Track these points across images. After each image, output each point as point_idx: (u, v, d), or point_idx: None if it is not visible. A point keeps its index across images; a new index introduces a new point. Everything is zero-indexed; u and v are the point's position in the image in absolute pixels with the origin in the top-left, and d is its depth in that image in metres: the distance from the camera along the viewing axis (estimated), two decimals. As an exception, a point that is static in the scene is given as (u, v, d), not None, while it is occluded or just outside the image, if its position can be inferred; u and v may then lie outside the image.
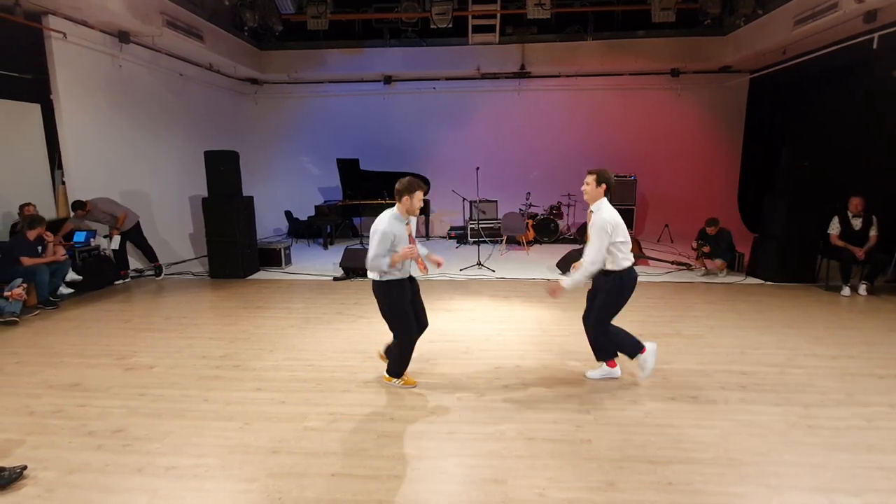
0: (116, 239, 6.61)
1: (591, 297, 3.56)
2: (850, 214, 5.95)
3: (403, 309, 3.39)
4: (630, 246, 3.33)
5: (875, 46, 6.51)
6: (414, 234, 3.42)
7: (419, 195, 3.30)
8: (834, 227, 6.03)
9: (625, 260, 3.28)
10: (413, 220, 3.43)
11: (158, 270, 7.11)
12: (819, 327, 4.74)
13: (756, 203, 7.11)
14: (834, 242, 6.02)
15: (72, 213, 6.35)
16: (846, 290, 5.87)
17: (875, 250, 5.84)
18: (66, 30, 6.27)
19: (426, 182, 9.94)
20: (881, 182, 6.69)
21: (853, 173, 7.16)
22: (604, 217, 3.20)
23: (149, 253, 7.06)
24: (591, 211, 3.33)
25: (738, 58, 8.98)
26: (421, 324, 3.58)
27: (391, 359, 3.59)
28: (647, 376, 3.48)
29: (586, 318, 3.57)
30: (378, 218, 3.27)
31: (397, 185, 3.29)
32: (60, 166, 6.52)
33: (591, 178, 3.31)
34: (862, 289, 5.86)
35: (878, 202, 6.08)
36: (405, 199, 3.26)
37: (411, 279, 3.48)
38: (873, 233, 5.83)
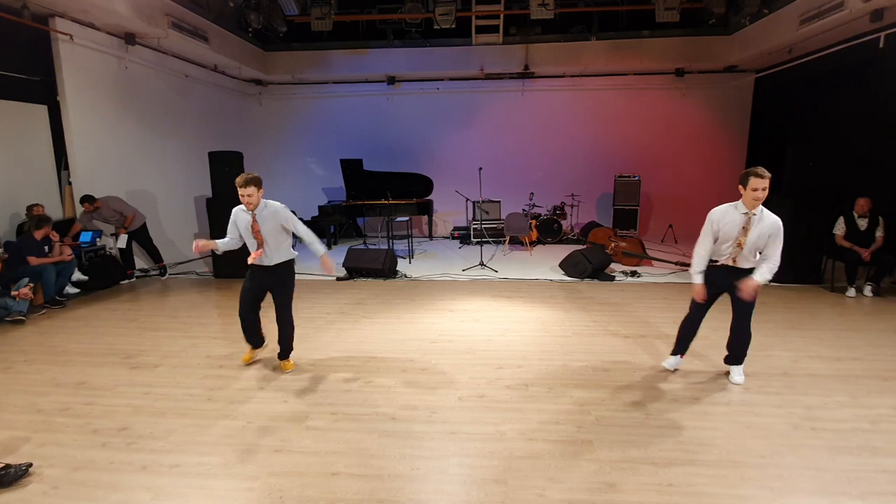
0: (123, 238, 6.68)
1: (712, 299, 3.54)
2: (855, 215, 5.91)
3: (243, 287, 3.81)
4: None
5: (881, 45, 6.47)
6: (261, 229, 3.63)
7: (239, 192, 3.55)
8: (839, 228, 5.99)
9: None
10: (261, 211, 3.65)
11: (163, 270, 7.17)
12: (824, 329, 4.71)
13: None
14: (839, 243, 5.98)
15: (80, 208, 6.40)
16: (852, 292, 5.83)
17: (881, 251, 5.79)
18: (73, 32, 6.33)
19: (429, 183, 9.98)
20: (888, 183, 6.64)
21: (859, 174, 7.11)
22: (778, 219, 3.27)
23: (154, 253, 7.11)
24: (753, 214, 3.25)
25: (744, 57, 8.94)
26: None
27: None
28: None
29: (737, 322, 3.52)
30: None
31: None
32: (67, 167, 6.58)
33: (767, 183, 3.17)
34: (868, 290, 5.81)
35: (884, 203, 6.03)
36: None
37: (264, 269, 3.72)
38: (879, 234, 5.79)
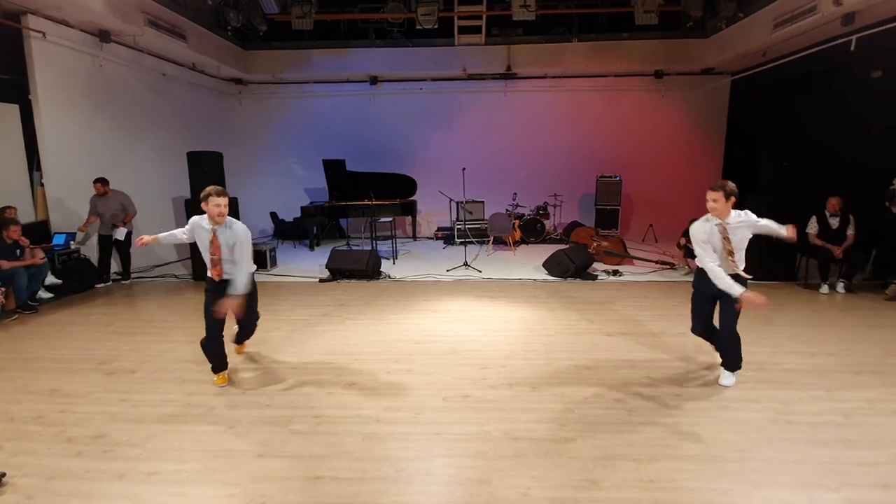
0: (122, 231, 6.61)
1: (710, 302, 3.51)
2: (827, 214, 6.07)
3: (206, 307, 3.47)
4: None
5: (853, 49, 6.65)
6: (220, 244, 3.42)
7: (213, 200, 3.32)
8: (812, 227, 6.15)
9: None
10: (222, 229, 3.44)
11: (126, 276, 7.01)
12: (798, 325, 4.84)
13: (738, 203, 7.22)
14: (812, 241, 6.14)
15: (94, 191, 6.47)
16: (825, 288, 5.99)
17: (852, 249, 5.96)
18: (46, 29, 6.16)
19: (412, 183, 9.96)
20: (858, 182, 6.84)
21: (832, 173, 7.31)
22: (744, 213, 3.30)
23: (126, 263, 6.95)
24: (727, 224, 3.26)
25: (720, 60, 9.13)
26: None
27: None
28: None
29: (721, 326, 3.46)
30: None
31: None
32: (39, 168, 6.40)
33: (717, 195, 3.22)
34: (840, 287, 5.98)
35: (855, 202, 6.21)
36: (203, 206, 3.36)
37: (224, 283, 3.48)
38: (851, 232, 5.95)
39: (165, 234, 3.65)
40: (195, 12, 8.05)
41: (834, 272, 6.09)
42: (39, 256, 5.65)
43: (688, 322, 4.60)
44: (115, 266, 7.03)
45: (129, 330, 4.91)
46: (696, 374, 3.71)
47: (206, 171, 6.93)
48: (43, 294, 5.90)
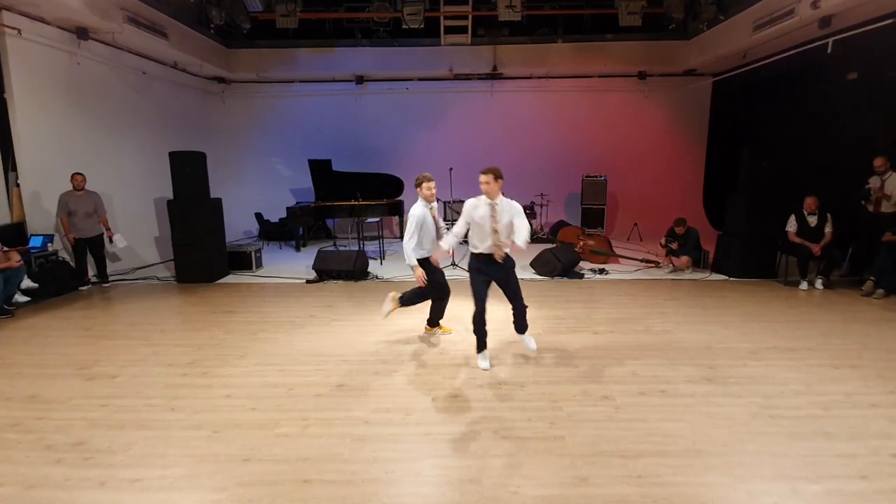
0: (119, 237, 6.69)
1: (486, 287, 3.90)
2: (805, 213, 6.21)
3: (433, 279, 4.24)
4: None
5: (829, 51, 6.83)
6: (438, 218, 4.35)
7: (425, 185, 4.17)
8: (791, 225, 6.28)
9: None
10: (434, 205, 4.31)
11: (104, 279, 6.88)
12: (779, 321, 4.93)
13: (720, 202, 7.36)
14: (791, 240, 6.27)
15: (72, 185, 6.39)
16: (804, 285, 6.13)
17: (830, 246, 6.10)
18: (22, 26, 6.01)
19: (399, 183, 9.95)
20: (835, 181, 7.01)
21: (810, 173, 7.48)
22: (516, 204, 3.74)
23: (101, 266, 6.82)
24: (496, 203, 3.64)
25: (701, 61, 9.28)
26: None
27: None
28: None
29: (514, 300, 3.93)
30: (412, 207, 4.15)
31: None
32: (15, 168, 6.23)
33: (488, 177, 3.65)
34: (818, 283, 6.12)
35: (833, 200, 6.36)
36: (417, 190, 4.22)
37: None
38: (828, 230, 6.09)
39: (446, 241, 3.97)
40: (176, 10, 7.92)
41: (812, 269, 6.23)
42: (15, 259, 5.49)
43: (672, 319, 4.65)
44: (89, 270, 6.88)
45: (110, 334, 4.80)
46: (680, 370, 3.77)
47: (188, 171, 6.83)
48: (19, 298, 5.74)
